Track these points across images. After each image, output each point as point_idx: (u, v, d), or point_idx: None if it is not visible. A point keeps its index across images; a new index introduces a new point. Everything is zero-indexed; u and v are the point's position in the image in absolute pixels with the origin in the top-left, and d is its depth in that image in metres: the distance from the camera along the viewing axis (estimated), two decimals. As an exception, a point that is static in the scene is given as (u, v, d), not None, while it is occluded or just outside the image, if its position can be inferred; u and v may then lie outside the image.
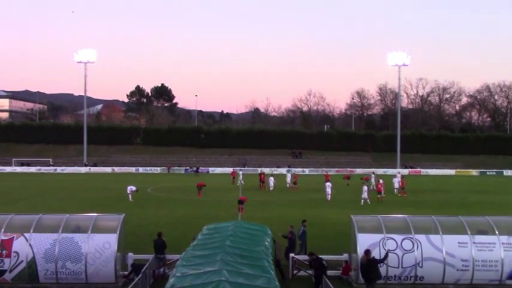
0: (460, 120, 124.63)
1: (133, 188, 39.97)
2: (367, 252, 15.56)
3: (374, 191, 41.92)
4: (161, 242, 18.49)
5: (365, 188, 38.29)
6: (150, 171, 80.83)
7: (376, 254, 16.11)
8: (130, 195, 39.45)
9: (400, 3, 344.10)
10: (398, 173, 59.02)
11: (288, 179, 52.94)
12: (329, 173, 61.33)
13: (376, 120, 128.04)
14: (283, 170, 77.89)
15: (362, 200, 37.64)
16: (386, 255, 15.87)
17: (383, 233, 16.85)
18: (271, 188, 48.51)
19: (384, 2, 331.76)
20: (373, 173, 56.19)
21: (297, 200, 41.38)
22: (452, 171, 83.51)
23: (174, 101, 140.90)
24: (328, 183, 42.00)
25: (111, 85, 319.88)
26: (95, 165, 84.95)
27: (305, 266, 18.13)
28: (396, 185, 45.49)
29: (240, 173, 59.08)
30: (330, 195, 40.77)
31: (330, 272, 17.44)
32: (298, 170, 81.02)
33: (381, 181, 41.57)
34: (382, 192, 40.27)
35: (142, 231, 25.05)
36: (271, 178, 49.79)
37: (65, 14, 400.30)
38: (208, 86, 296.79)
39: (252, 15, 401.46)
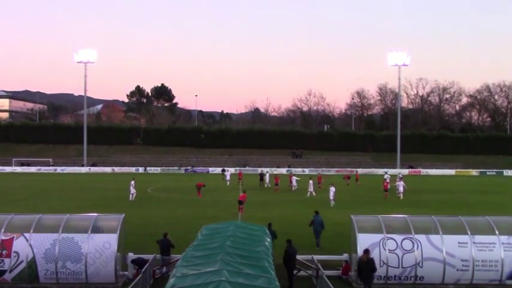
0: (460, 120, 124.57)
1: (133, 183, 40.19)
2: (367, 251, 15.76)
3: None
4: (167, 242, 18.34)
5: (332, 188, 37.26)
6: (150, 171, 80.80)
7: (376, 254, 16.16)
8: (132, 196, 39.50)
9: (400, 3, 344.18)
10: (399, 174, 58.33)
11: (267, 179, 53.30)
12: (327, 174, 61.06)
13: (376, 120, 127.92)
14: (283, 170, 77.95)
15: (331, 202, 36.60)
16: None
17: (383, 233, 16.86)
18: (293, 188, 48.77)
19: (384, 2, 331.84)
20: (386, 172, 56.00)
21: (297, 200, 41.40)
22: (452, 171, 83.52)
23: (174, 101, 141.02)
24: (310, 181, 43.69)
25: (111, 85, 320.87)
26: (93, 165, 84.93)
27: (305, 266, 18.14)
28: (401, 189, 42.97)
29: (228, 173, 58.99)
30: (309, 193, 42.65)
31: (330, 272, 17.46)
32: (298, 170, 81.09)
33: (387, 180, 42.82)
34: (388, 189, 42.57)
35: (142, 231, 25.08)
36: (294, 177, 50.48)
37: (65, 14, 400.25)
38: (208, 86, 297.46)
39: (252, 15, 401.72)
